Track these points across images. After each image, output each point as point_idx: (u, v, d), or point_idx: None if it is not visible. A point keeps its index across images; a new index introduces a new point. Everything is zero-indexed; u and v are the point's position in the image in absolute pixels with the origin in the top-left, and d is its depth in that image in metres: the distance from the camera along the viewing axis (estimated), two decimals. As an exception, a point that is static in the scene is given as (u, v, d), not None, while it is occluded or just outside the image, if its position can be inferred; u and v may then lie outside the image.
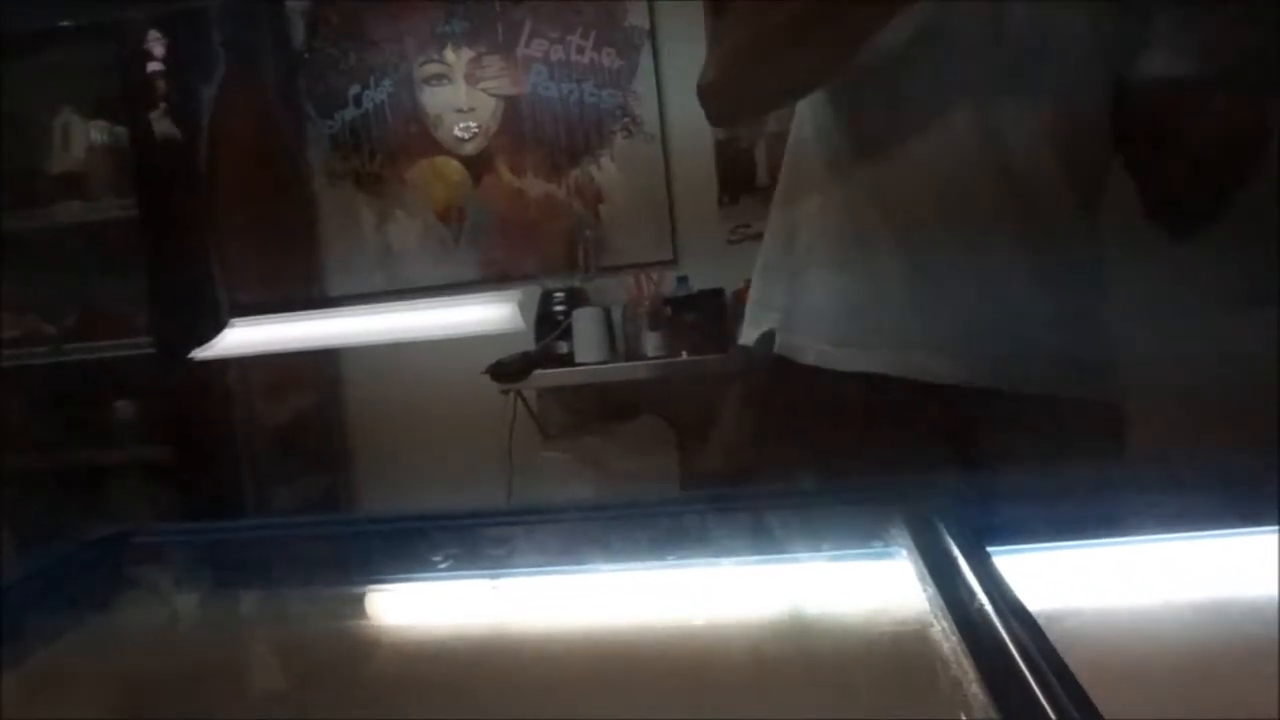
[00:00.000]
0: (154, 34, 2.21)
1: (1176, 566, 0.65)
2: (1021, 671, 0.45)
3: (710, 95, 0.98)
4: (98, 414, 2.57)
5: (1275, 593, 0.58)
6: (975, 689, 0.46)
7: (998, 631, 0.49)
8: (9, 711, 0.62)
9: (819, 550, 0.67)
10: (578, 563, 0.71)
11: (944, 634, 0.51)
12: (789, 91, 1.00)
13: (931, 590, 0.56)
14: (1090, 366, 0.99)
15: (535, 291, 2.59)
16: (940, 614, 0.53)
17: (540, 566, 0.72)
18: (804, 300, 1.04)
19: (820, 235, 1.04)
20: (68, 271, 2.59)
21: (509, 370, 2.44)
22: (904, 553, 0.63)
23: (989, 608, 0.51)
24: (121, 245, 2.42)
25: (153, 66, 2.23)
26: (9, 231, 2.53)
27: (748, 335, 1.10)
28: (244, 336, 0.93)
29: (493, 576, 0.73)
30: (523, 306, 2.53)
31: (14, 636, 0.69)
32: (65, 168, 2.52)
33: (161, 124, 2.26)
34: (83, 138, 2.52)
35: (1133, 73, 0.93)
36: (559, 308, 2.52)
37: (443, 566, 0.72)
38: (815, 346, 1.02)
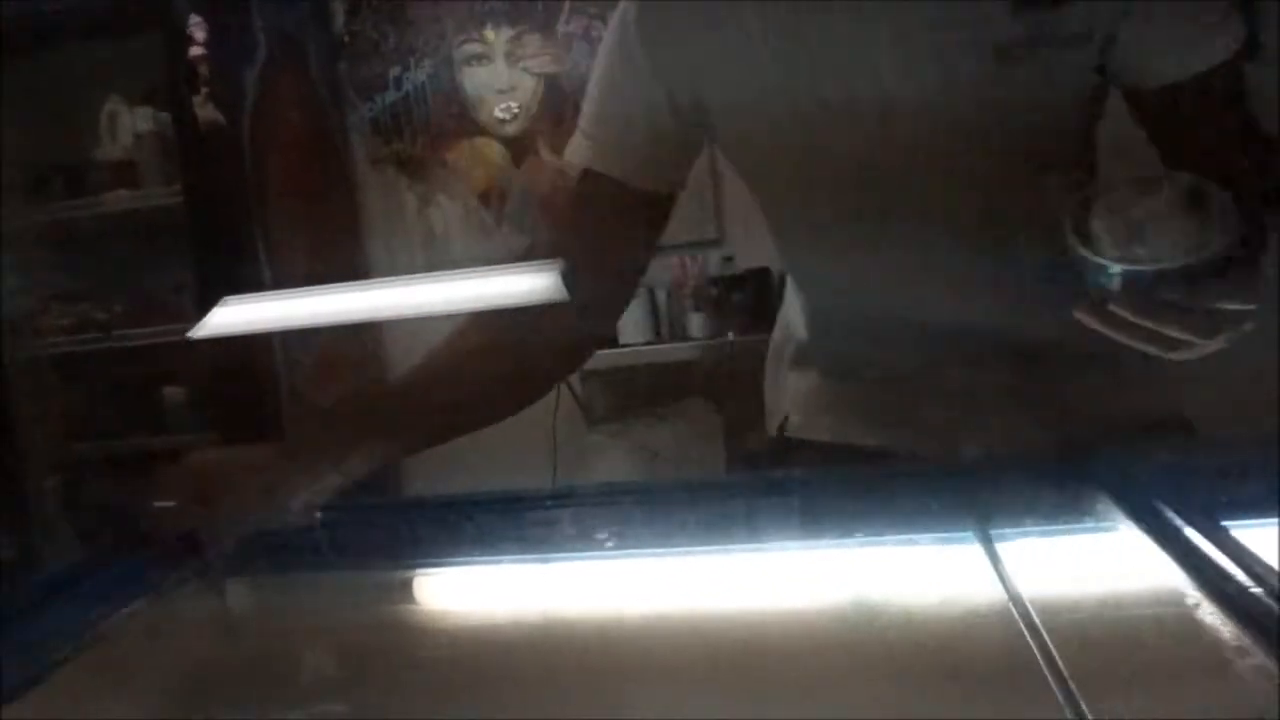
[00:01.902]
0: (195, 19, 2.21)
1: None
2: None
3: None
4: (148, 400, 2.61)
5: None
6: None
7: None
8: (76, 697, 0.62)
9: (1023, 524, 0.63)
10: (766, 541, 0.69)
11: (1219, 616, 0.48)
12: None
13: (1177, 566, 0.53)
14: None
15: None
16: (1205, 592, 0.49)
17: (704, 546, 0.69)
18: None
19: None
20: (117, 259, 2.63)
21: (553, 352, 2.42)
22: (1119, 527, 0.60)
23: (1251, 584, 0.47)
24: (168, 231, 2.44)
25: (195, 52, 2.23)
26: (60, 221, 2.57)
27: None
28: (279, 311, 0.92)
29: (608, 556, 0.70)
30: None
31: (71, 621, 0.68)
32: (113, 156, 2.54)
33: (205, 109, 2.27)
34: (129, 126, 2.54)
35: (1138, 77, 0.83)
36: (602, 289, 2.50)
37: (609, 545, 0.70)
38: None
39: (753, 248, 2.46)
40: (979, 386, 0.91)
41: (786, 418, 1.07)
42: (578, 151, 0.92)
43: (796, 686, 0.53)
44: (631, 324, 2.44)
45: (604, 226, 0.92)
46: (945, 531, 0.65)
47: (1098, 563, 0.62)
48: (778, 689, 0.53)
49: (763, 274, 2.39)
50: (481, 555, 0.76)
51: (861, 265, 0.91)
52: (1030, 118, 0.82)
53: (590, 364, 2.47)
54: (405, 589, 0.75)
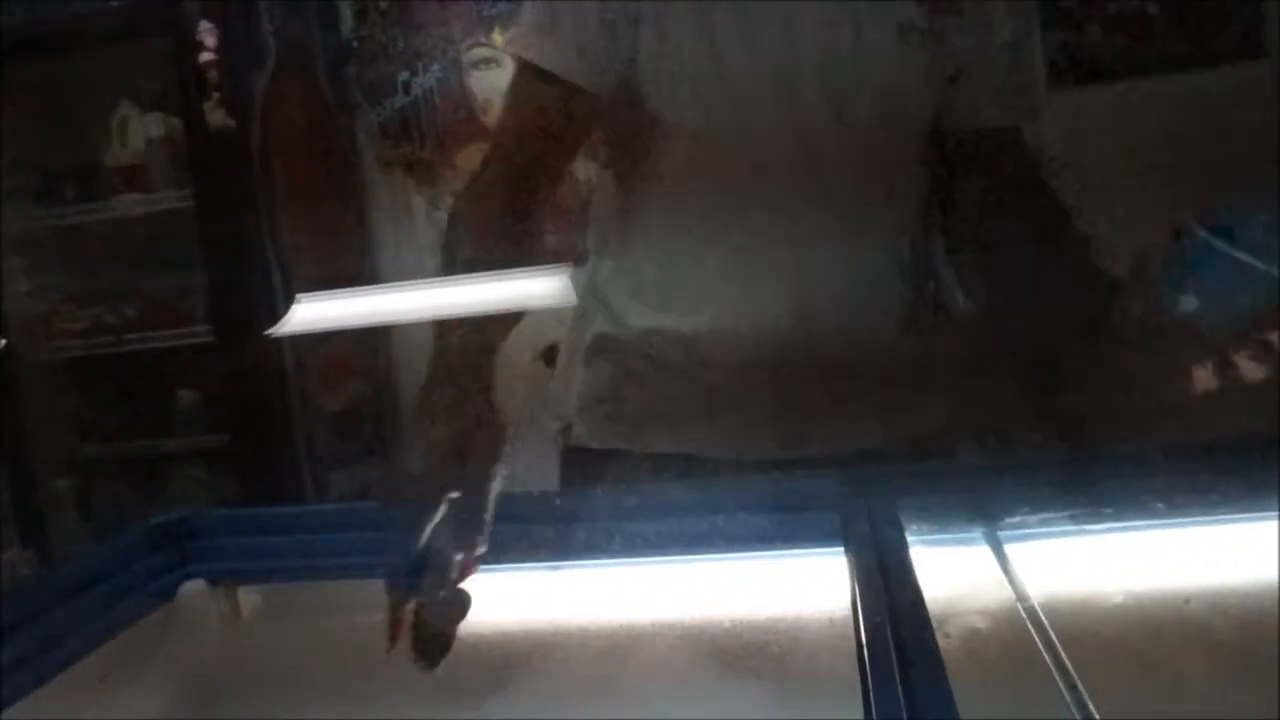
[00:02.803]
0: (205, 24, 2.23)
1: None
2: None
3: None
4: (159, 403, 2.62)
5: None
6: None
7: None
8: (85, 699, 0.62)
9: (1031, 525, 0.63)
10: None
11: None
12: None
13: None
14: None
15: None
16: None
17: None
18: None
19: None
20: (129, 263, 2.64)
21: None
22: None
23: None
24: (179, 236, 2.45)
25: (205, 57, 2.24)
26: (71, 225, 2.59)
27: None
28: (301, 314, 0.92)
29: (617, 562, 0.70)
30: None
31: (79, 623, 0.69)
32: (124, 161, 2.56)
33: (215, 114, 2.28)
34: (140, 131, 2.56)
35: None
36: (611, 291, 2.49)
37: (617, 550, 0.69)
38: None
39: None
40: (797, 394, 0.91)
41: (569, 426, 1.04)
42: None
43: (803, 686, 0.53)
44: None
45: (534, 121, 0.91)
46: (954, 532, 0.65)
47: (1105, 563, 0.62)
48: (784, 689, 0.53)
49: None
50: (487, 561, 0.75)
51: (726, 241, 0.91)
52: (910, 114, 0.85)
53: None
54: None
